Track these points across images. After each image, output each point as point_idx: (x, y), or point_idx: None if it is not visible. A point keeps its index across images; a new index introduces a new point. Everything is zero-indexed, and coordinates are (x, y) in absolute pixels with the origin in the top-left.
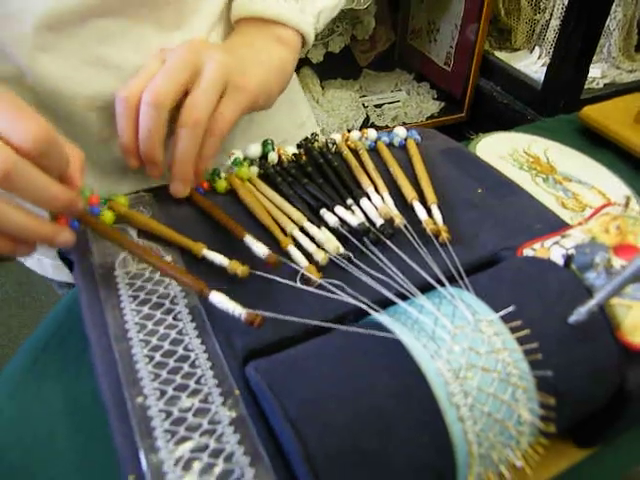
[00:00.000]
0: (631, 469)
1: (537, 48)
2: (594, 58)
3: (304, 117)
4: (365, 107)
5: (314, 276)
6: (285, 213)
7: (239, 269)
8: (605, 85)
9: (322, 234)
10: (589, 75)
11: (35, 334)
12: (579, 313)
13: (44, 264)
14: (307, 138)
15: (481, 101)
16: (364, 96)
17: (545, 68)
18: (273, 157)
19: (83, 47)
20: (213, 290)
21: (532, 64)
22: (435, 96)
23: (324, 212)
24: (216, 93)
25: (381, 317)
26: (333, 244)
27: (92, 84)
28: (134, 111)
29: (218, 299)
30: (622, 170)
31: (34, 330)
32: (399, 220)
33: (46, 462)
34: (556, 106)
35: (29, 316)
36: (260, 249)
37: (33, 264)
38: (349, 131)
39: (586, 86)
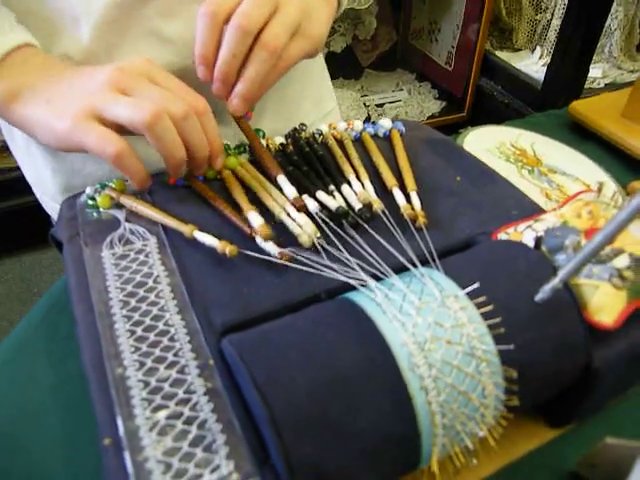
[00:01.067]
0: (595, 446)
1: (538, 48)
2: (595, 58)
3: (329, 108)
4: (366, 106)
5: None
6: (271, 196)
7: (228, 248)
8: (606, 85)
9: (301, 218)
10: (590, 75)
11: (28, 315)
12: (544, 291)
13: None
14: (295, 128)
15: (482, 101)
16: (365, 95)
17: (546, 68)
18: None
19: (142, 21)
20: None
21: (533, 64)
22: (436, 96)
23: (305, 197)
24: (291, 32)
25: (352, 293)
26: (311, 227)
27: (148, 54)
28: (219, 27)
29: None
30: (609, 163)
31: None
32: (377, 205)
33: (32, 435)
34: (556, 106)
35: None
36: (271, 248)
37: (50, 209)
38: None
39: (587, 86)
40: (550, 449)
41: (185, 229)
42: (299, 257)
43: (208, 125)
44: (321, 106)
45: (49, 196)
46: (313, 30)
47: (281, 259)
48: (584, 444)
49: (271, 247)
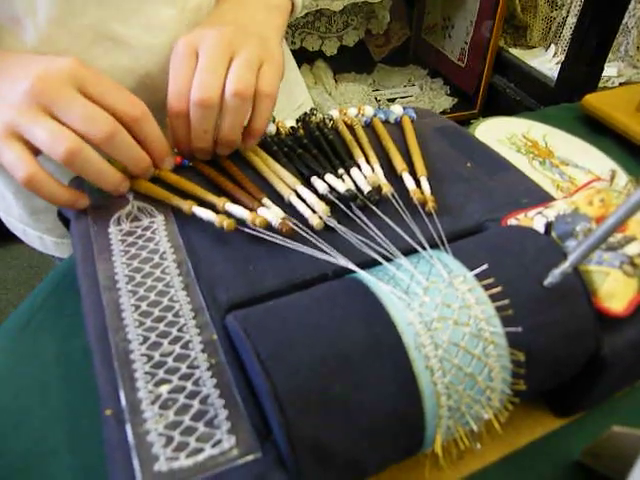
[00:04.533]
0: (600, 436)
1: (553, 45)
2: (611, 56)
3: (301, 100)
4: (378, 101)
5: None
6: (280, 178)
7: (225, 222)
8: (621, 84)
9: (312, 197)
10: (605, 74)
11: (33, 293)
12: (553, 275)
13: (46, 242)
14: (306, 113)
15: (494, 98)
16: (377, 90)
17: (560, 66)
18: (272, 129)
19: (95, 24)
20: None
21: (547, 61)
22: (448, 92)
23: (315, 179)
24: (256, 71)
25: (359, 273)
26: (322, 207)
27: (104, 60)
28: (185, 111)
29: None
30: (622, 157)
31: None
32: (387, 188)
33: (34, 410)
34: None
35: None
36: (273, 218)
37: (35, 241)
38: None
39: (601, 84)
40: (554, 438)
41: (184, 205)
42: (307, 236)
43: (146, 130)
44: (292, 99)
45: (14, 217)
46: (274, 55)
47: (282, 230)
48: (589, 434)
49: (273, 218)
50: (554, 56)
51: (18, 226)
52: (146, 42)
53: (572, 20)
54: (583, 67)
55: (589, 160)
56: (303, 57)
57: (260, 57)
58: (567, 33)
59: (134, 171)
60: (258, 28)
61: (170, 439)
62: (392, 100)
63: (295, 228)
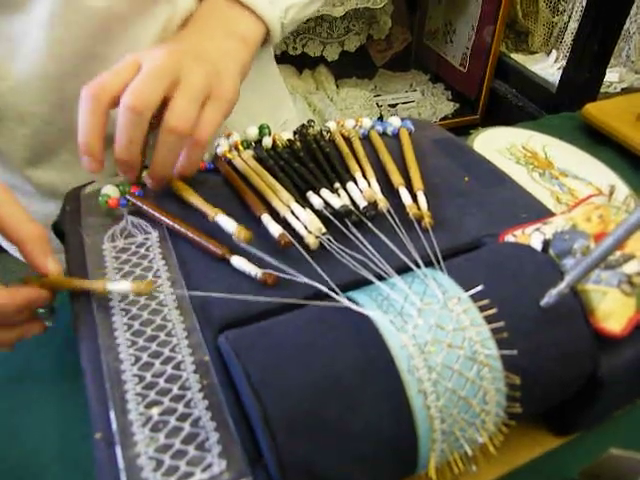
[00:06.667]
0: (598, 456)
1: (554, 51)
2: (612, 62)
3: (286, 116)
4: (379, 106)
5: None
6: (275, 193)
7: (242, 233)
8: (622, 90)
9: (306, 215)
10: (607, 79)
11: None
12: (550, 296)
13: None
14: (303, 125)
15: (496, 103)
16: (378, 95)
17: (561, 71)
18: (267, 142)
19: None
20: (234, 255)
21: (549, 67)
22: (450, 97)
23: (310, 194)
24: (200, 103)
25: (353, 293)
26: (316, 225)
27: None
28: (104, 110)
29: (238, 262)
30: (622, 168)
31: None
32: (383, 204)
33: (27, 426)
34: (570, 110)
35: None
36: (275, 229)
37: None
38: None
39: (603, 90)
40: (552, 457)
41: (210, 212)
42: (302, 254)
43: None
44: (277, 115)
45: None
46: (224, 89)
47: (281, 242)
48: (587, 454)
49: (274, 228)
50: (555, 61)
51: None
52: None
53: (574, 25)
54: (585, 73)
55: (589, 171)
56: (304, 63)
57: (206, 89)
58: (568, 38)
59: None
60: (216, 57)
61: (160, 463)
62: (394, 105)
63: (285, 234)
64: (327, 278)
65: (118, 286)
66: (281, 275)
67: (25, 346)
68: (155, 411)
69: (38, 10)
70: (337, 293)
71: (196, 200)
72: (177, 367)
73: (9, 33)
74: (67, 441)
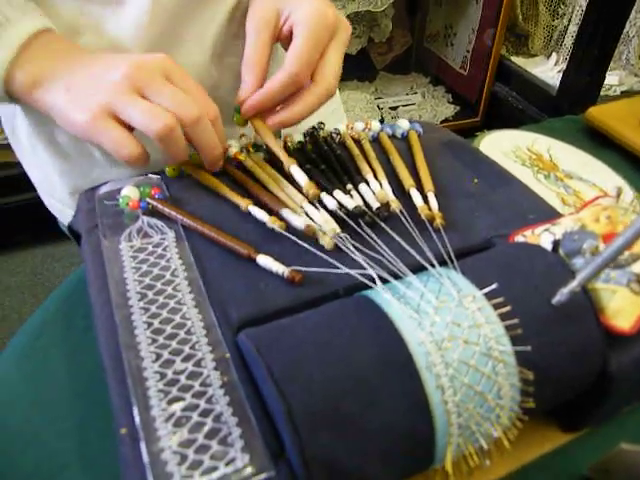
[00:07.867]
0: (607, 452)
1: (554, 54)
2: (612, 65)
3: (336, 103)
4: (380, 109)
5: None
6: (288, 195)
7: (277, 223)
8: (622, 93)
9: (321, 216)
10: (606, 82)
11: (42, 307)
12: (561, 294)
13: (66, 214)
14: (313, 127)
15: (496, 106)
16: (379, 98)
17: (561, 74)
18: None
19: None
20: (260, 254)
21: (549, 70)
22: (450, 100)
23: (324, 195)
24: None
25: (370, 291)
26: (331, 226)
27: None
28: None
29: (264, 261)
30: (626, 171)
31: None
32: (395, 205)
33: (45, 426)
34: (570, 112)
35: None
36: (299, 221)
37: (57, 211)
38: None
39: (603, 93)
40: (562, 452)
41: (242, 203)
42: (318, 253)
43: (217, 130)
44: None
45: (56, 198)
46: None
47: (307, 233)
48: (597, 449)
49: (298, 221)
50: (555, 64)
51: (57, 206)
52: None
53: (573, 29)
54: (584, 76)
55: (594, 173)
56: None
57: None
58: (569, 42)
59: (208, 158)
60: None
61: (184, 457)
62: (394, 108)
63: (311, 223)
64: (368, 267)
65: (259, 213)
66: (309, 270)
67: (42, 346)
68: (177, 407)
69: None
70: (360, 289)
71: (226, 191)
72: (198, 364)
73: None
74: (85, 441)
